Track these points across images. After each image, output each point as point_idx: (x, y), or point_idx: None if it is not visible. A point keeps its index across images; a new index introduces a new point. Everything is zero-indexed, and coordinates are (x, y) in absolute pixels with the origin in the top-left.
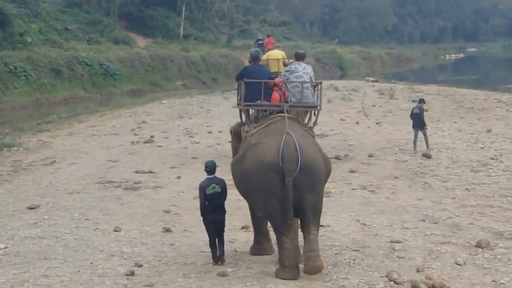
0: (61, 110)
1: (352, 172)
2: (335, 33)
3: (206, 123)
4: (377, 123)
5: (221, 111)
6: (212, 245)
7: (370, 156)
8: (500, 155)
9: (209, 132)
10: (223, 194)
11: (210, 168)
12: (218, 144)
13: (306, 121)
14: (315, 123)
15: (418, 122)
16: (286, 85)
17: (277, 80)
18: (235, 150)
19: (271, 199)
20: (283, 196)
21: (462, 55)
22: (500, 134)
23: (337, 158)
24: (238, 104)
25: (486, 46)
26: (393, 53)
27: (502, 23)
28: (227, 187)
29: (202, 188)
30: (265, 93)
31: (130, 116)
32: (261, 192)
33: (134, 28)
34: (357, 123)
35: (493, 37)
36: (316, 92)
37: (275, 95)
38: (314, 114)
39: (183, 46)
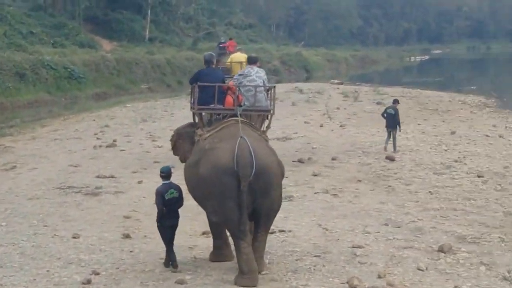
0: (25, 114)
1: (315, 175)
2: (301, 36)
3: (170, 126)
4: (341, 126)
5: (185, 115)
6: (170, 250)
7: (333, 159)
8: (464, 157)
9: None
10: (180, 199)
11: (166, 173)
12: None
13: (260, 125)
14: (268, 127)
15: (392, 122)
16: (239, 89)
17: (230, 84)
18: (184, 153)
19: (227, 204)
20: (239, 201)
21: (427, 57)
22: (464, 136)
23: (300, 161)
24: (191, 108)
25: (450, 47)
26: (358, 55)
27: (466, 24)
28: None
29: (161, 194)
30: (219, 97)
31: (94, 120)
32: (217, 197)
33: (100, 32)
34: (321, 126)
35: (458, 38)
36: (269, 96)
37: (229, 99)
38: (267, 118)
39: (148, 49)
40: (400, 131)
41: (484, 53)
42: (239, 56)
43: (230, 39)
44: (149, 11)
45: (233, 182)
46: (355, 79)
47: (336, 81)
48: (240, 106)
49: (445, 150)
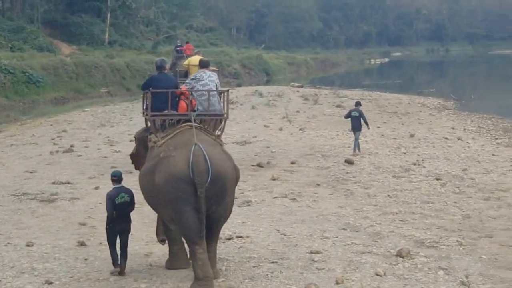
0: None
1: (274, 180)
2: (261, 39)
3: (128, 131)
4: (300, 129)
5: (144, 119)
6: (113, 253)
7: (292, 163)
8: (423, 160)
9: (131, 141)
10: (131, 203)
11: (118, 177)
12: None
13: (215, 129)
14: (222, 131)
15: (358, 125)
16: (192, 93)
17: (183, 88)
18: (138, 158)
19: (184, 211)
20: (197, 207)
21: (387, 60)
22: (422, 138)
23: (259, 165)
24: (145, 114)
25: (410, 50)
26: (318, 58)
27: (425, 27)
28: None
29: (111, 198)
30: (172, 102)
31: (51, 125)
32: (174, 205)
33: (59, 35)
34: (281, 129)
35: (417, 41)
36: (223, 100)
37: (182, 104)
38: (221, 122)
39: (108, 53)
40: (369, 129)
41: (443, 55)
42: (197, 59)
43: (187, 42)
44: (108, 15)
45: (190, 189)
46: (315, 82)
47: (296, 84)
48: (194, 111)
49: (404, 153)
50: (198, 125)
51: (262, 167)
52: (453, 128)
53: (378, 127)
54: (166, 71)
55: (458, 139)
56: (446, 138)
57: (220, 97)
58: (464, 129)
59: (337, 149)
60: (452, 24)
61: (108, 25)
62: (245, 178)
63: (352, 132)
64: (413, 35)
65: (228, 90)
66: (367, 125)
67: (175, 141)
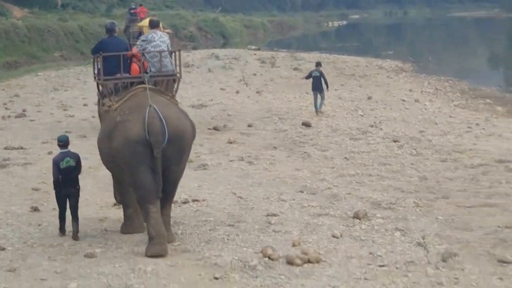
0: None
1: (231, 143)
2: (218, 1)
3: (82, 95)
4: (257, 92)
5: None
6: (61, 218)
7: (249, 126)
8: (380, 122)
9: (85, 105)
10: (77, 167)
11: (64, 142)
12: (93, 117)
13: (168, 89)
14: (176, 91)
15: (318, 85)
16: (144, 55)
17: (134, 50)
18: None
19: (141, 171)
20: (153, 168)
21: (344, 22)
22: (380, 101)
23: (215, 128)
24: (97, 79)
25: (368, 13)
26: (275, 20)
27: None
28: None
29: (56, 162)
30: (124, 65)
31: (3, 90)
32: (131, 167)
33: None
34: (237, 92)
35: (375, 3)
36: (175, 60)
37: (135, 66)
38: (174, 82)
39: (61, 16)
40: (328, 90)
41: (401, 18)
42: None
43: (141, 5)
44: None
45: (147, 151)
46: (272, 45)
47: (253, 47)
48: (147, 73)
49: (362, 116)
50: (152, 87)
51: (218, 130)
52: (410, 91)
53: (336, 89)
54: (116, 34)
55: (416, 101)
56: (403, 100)
57: (172, 57)
58: (422, 91)
59: (294, 112)
60: None
61: None
62: (201, 142)
63: (313, 93)
64: None
65: (180, 50)
66: (327, 86)
67: (130, 105)
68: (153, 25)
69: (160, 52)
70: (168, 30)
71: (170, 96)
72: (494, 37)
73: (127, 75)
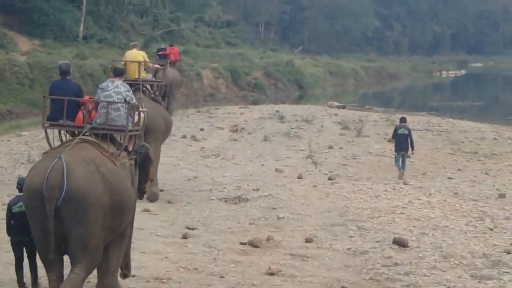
0: None
1: (271, 275)
2: (298, 39)
3: None
4: (329, 179)
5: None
6: (17, 268)
7: (307, 241)
8: None
9: None
10: None
11: (22, 185)
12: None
13: (124, 145)
14: (122, 147)
15: (405, 144)
16: (98, 104)
17: (86, 98)
18: None
19: (36, 229)
20: (44, 226)
21: (463, 72)
22: None
23: (252, 244)
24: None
25: (494, 60)
26: (372, 67)
27: None
28: None
29: (9, 206)
30: (72, 112)
31: None
32: (30, 221)
33: (16, 25)
34: (300, 177)
35: (504, 49)
36: (132, 114)
37: (80, 115)
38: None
39: (79, 51)
40: (413, 153)
41: None
42: (136, 54)
43: (171, 45)
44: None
45: (41, 205)
46: (365, 100)
47: (335, 103)
48: (91, 123)
49: (491, 230)
50: (90, 139)
51: (257, 247)
52: None
53: (450, 178)
54: (69, 77)
55: None
56: None
57: (132, 110)
58: None
59: (382, 217)
60: None
61: (84, 13)
62: (224, 269)
63: (396, 154)
64: (499, 40)
65: (130, 103)
66: (412, 147)
67: (51, 154)
68: (116, 73)
69: (109, 103)
70: (157, 65)
71: (111, 153)
72: None
73: (71, 123)
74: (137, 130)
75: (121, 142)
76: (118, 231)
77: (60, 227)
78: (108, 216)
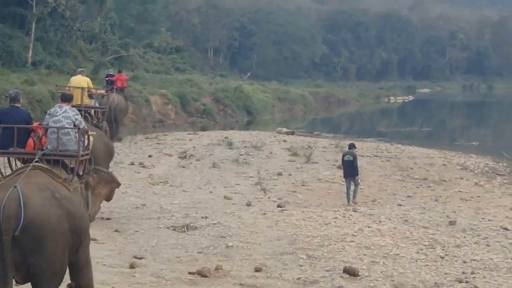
0: None
1: None
2: (247, 65)
3: None
4: (279, 206)
5: None
6: None
7: (257, 270)
8: (473, 273)
9: None
10: None
11: None
12: None
13: (75, 170)
14: (74, 173)
15: (352, 170)
16: (46, 130)
17: (35, 124)
18: None
19: None
20: (1, 257)
21: (411, 98)
22: (469, 229)
23: (201, 274)
24: None
25: (442, 86)
26: (320, 92)
27: (462, 56)
28: None
29: None
30: (22, 139)
31: None
32: None
33: None
34: (249, 204)
35: (451, 74)
36: (82, 138)
37: (30, 141)
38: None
39: (27, 77)
40: (358, 181)
41: (484, 93)
42: (80, 80)
43: (119, 71)
44: (33, 25)
45: None
46: (314, 126)
47: (284, 129)
48: (42, 150)
49: (442, 258)
50: (42, 166)
51: (205, 276)
52: None
53: (400, 205)
54: (19, 105)
55: None
56: (506, 229)
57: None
58: None
59: (333, 245)
60: (497, 53)
61: (33, 39)
62: None
63: (345, 181)
64: (446, 66)
65: (80, 128)
66: (356, 173)
67: (5, 183)
68: (63, 99)
69: (59, 128)
70: (101, 91)
71: (64, 179)
72: None
73: (22, 150)
74: (87, 154)
75: (73, 167)
76: (78, 254)
77: (20, 256)
78: (67, 241)
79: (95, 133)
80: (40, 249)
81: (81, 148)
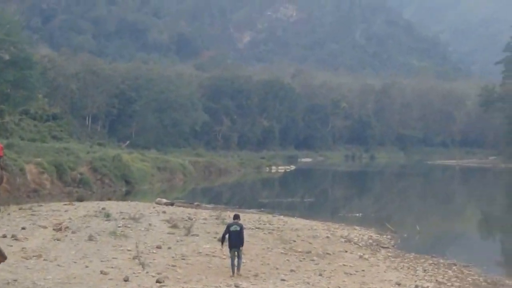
0: None
1: None
2: (125, 133)
3: None
4: (158, 281)
5: None
6: None
7: None
8: None
9: None
10: None
11: None
12: None
13: None
14: None
15: (238, 241)
16: None
17: None
18: None
19: None
20: None
21: (293, 167)
22: None
23: None
24: None
25: (324, 155)
26: (201, 162)
27: (345, 125)
28: None
29: None
30: None
31: None
32: None
33: None
34: (126, 280)
35: (333, 144)
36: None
37: None
38: None
39: None
40: (241, 248)
41: (367, 163)
42: None
43: None
44: None
45: None
46: (194, 197)
47: (164, 200)
48: None
49: None
50: None
51: None
52: (399, 285)
53: (283, 280)
54: None
55: None
56: None
57: None
58: (417, 287)
59: None
60: (379, 122)
61: None
62: None
63: (230, 252)
64: (328, 135)
65: None
66: (242, 243)
67: None
68: None
69: None
70: None
71: None
72: (494, 193)
73: None
74: None
75: None
76: None
77: None
78: None
79: None
80: None
81: None
